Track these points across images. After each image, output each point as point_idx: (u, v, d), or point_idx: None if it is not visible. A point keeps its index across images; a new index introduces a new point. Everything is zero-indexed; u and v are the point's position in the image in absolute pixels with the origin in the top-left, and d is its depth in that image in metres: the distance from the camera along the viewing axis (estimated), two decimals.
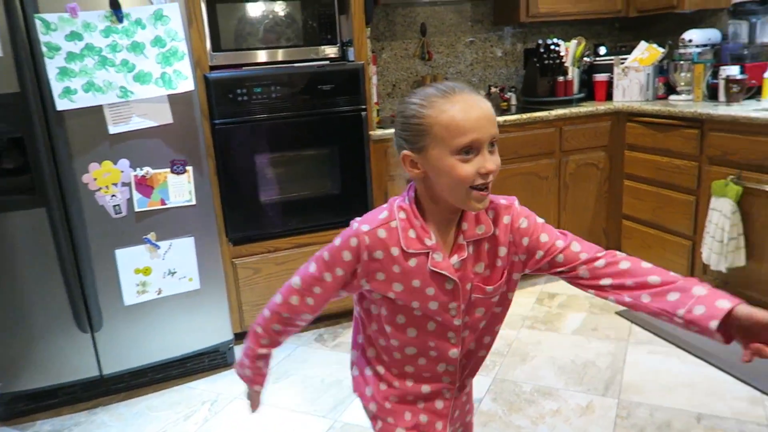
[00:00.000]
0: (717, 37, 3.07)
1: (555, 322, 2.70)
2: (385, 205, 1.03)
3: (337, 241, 1.00)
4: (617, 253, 0.99)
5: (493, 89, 3.41)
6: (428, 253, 0.99)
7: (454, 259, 1.00)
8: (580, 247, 1.00)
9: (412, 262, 0.99)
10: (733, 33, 3.00)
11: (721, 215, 2.45)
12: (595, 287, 0.98)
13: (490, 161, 0.93)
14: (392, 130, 1.22)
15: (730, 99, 2.73)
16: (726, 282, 2.54)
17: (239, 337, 2.61)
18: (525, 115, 2.95)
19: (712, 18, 3.23)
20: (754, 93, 2.80)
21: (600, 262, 0.98)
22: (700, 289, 0.89)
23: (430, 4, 3.34)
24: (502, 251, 1.03)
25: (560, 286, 3.03)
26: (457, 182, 0.93)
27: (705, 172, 2.63)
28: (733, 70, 2.76)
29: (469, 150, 0.91)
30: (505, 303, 1.10)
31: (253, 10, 2.46)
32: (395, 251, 0.98)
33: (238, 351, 2.54)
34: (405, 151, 0.97)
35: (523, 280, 1.17)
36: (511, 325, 2.68)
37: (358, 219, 1.01)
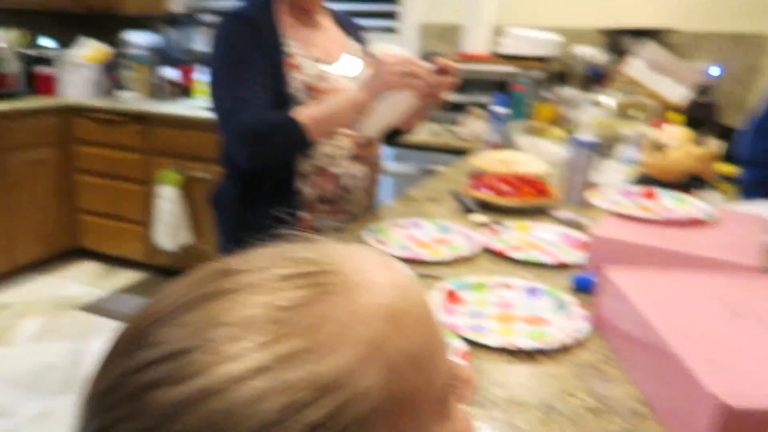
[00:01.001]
0: (158, 41, 3.33)
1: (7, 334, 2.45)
2: None
3: None
4: None
5: None
6: None
7: None
8: None
9: None
10: (170, 39, 3.32)
11: (167, 201, 2.70)
12: None
13: None
14: None
15: (169, 97, 3.02)
16: (180, 259, 2.81)
17: None
18: None
19: (153, 23, 3.48)
20: (188, 92, 3.17)
21: None
22: None
23: None
24: None
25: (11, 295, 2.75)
26: None
27: (151, 163, 2.83)
28: (170, 72, 3.06)
29: None
30: None
31: None
32: None
33: None
34: None
35: None
36: None
37: None
